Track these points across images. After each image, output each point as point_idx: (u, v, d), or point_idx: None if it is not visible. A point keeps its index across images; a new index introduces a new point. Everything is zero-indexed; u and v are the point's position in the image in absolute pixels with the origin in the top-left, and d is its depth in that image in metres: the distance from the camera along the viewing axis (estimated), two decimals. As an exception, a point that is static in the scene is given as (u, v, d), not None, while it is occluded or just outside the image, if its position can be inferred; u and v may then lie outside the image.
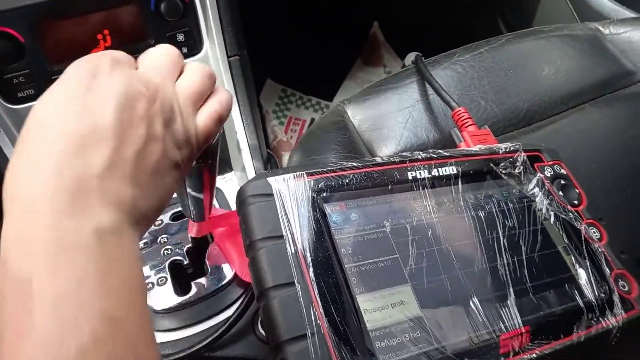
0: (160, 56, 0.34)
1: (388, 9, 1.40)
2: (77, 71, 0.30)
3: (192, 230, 0.49)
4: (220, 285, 0.50)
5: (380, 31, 1.40)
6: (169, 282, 0.50)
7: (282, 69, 1.33)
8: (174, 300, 0.49)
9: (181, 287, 0.51)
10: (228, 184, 0.65)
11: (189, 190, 0.41)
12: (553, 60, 0.65)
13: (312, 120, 1.30)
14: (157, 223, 0.55)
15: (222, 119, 0.36)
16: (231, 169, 0.67)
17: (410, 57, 0.68)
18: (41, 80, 0.52)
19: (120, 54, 0.33)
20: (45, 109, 0.28)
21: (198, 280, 0.51)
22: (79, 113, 0.27)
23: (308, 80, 1.33)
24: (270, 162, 0.62)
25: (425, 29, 1.33)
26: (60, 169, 0.26)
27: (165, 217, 0.55)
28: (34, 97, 0.52)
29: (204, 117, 0.35)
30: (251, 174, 0.61)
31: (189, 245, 0.53)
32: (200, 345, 0.45)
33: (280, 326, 0.30)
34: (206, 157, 0.39)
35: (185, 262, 0.52)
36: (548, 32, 0.69)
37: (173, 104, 0.32)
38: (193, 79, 0.35)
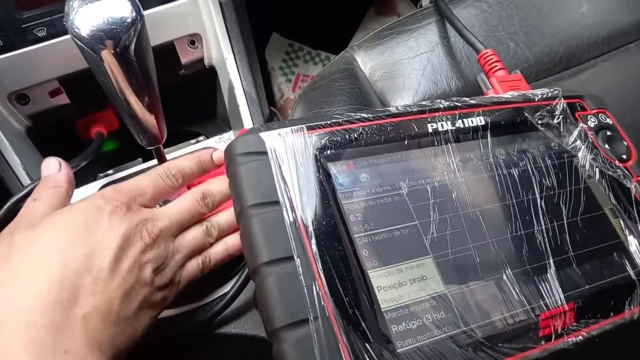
0: (183, 208, 0.37)
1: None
2: (85, 209, 0.33)
3: None
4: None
5: (393, -23, 1.30)
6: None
7: (289, 22, 1.24)
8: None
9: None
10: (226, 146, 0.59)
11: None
12: (592, -5, 0.57)
13: (322, 76, 1.23)
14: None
15: (208, 268, 0.38)
16: (230, 128, 0.61)
17: (429, -4, 0.61)
18: (9, 29, 0.45)
19: (141, 191, 0.35)
20: (47, 241, 0.31)
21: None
22: (77, 250, 0.31)
23: (317, 33, 1.25)
24: (272, 120, 0.56)
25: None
26: (51, 304, 0.29)
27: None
28: (2, 49, 0.46)
29: (192, 269, 0.37)
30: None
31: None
32: (198, 321, 0.42)
33: (277, 309, 0.26)
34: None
35: None
36: (586, -37, 0.60)
37: (167, 255, 0.35)
38: (196, 233, 0.37)
